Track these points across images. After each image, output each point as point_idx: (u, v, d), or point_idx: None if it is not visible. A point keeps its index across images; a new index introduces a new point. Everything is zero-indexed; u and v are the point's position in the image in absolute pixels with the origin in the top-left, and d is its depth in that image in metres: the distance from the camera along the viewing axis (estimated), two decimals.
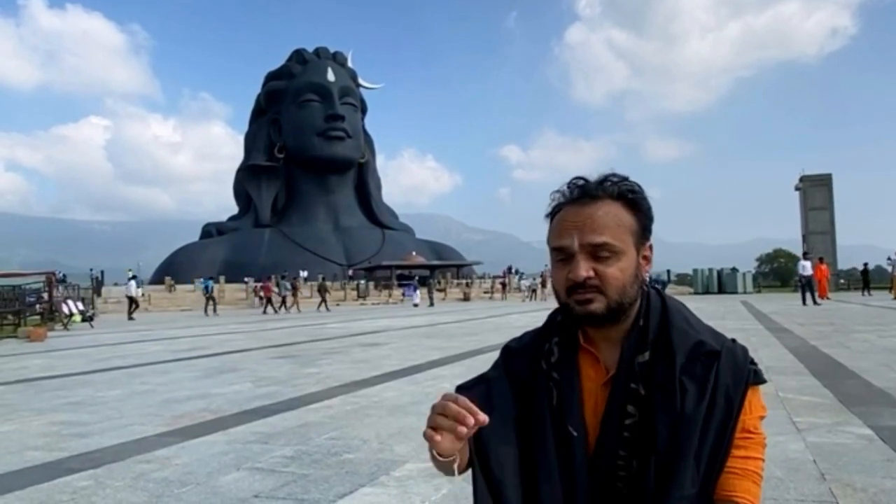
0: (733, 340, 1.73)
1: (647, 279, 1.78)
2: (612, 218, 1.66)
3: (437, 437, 1.51)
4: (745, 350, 1.71)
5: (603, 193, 1.68)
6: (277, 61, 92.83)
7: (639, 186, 1.74)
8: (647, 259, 1.75)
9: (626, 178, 1.73)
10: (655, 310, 1.76)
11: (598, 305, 1.67)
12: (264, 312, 42.53)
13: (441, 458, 1.58)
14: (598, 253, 1.65)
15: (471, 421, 1.48)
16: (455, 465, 1.60)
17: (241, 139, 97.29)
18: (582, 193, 1.69)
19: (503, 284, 64.85)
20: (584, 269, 1.64)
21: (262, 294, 47.33)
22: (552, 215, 1.76)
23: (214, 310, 43.10)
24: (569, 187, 1.74)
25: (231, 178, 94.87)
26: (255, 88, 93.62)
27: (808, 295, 31.58)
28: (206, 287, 45.08)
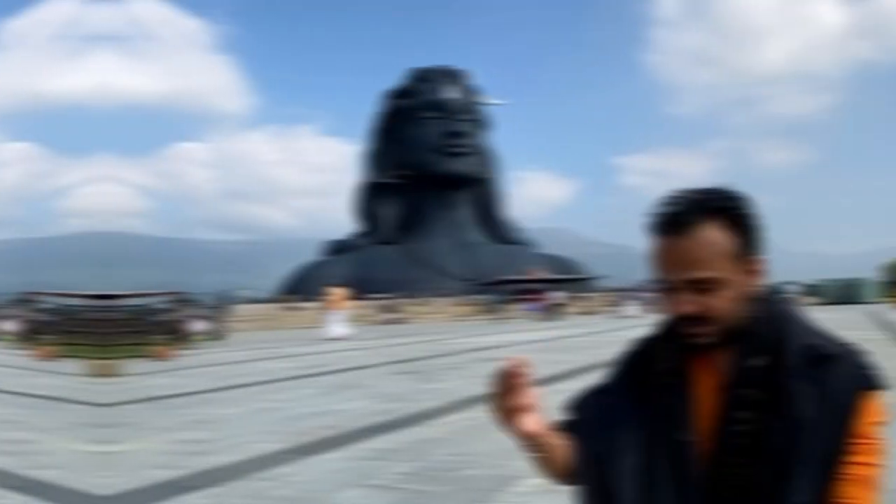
0: (851, 345, 1.63)
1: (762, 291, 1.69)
2: (710, 249, 1.58)
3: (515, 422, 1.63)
4: (863, 355, 1.61)
5: (699, 216, 1.59)
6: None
7: (739, 197, 1.64)
8: (758, 273, 1.66)
9: (724, 191, 1.65)
10: (771, 314, 1.67)
11: (708, 338, 1.62)
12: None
13: (533, 448, 1.68)
14: (699, 286, 1.58)
15: (520, 371, 1.59)
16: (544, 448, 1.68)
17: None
18: (676, 222, 1.60)
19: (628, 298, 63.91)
20: (689, 305, 1.59)
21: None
22: (652, 235, 1.67)
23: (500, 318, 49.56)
24: (663, 214, 1.65)
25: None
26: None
27: None
28: (496, 299, 52.74)
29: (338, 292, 32.41)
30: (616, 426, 1.72)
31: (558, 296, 54.38)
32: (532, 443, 1.66)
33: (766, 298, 1.69)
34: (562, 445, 1.71)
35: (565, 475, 1.71)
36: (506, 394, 1.59)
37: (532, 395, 1.63)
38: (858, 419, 1.52)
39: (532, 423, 1.64)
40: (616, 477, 1.64)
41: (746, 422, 1.58)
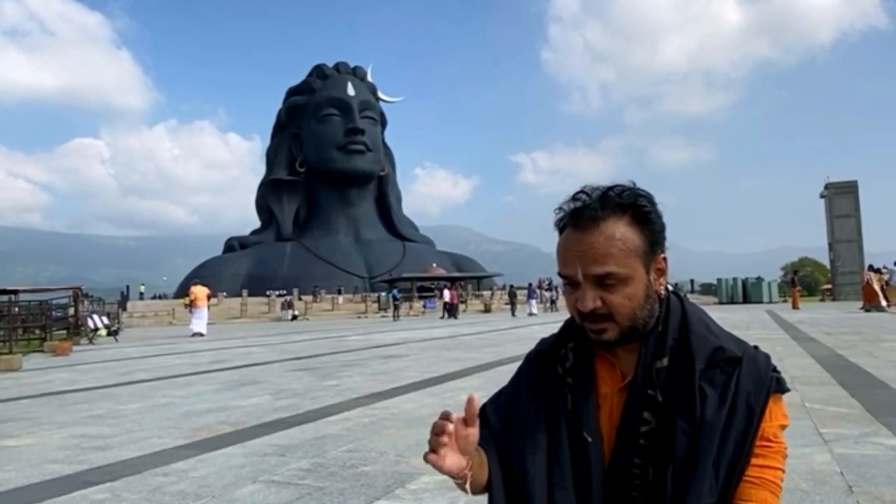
0: (755, 347, 1.68)
1: (664, 290, 1.72)
2: (615, 244, 1.59)
3: (434, 457, 1.54)
4: (767, 357, 1.66)
5: (606, 212, 1.61)
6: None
7: (647, 195, 1.67)
8: (662, 271, 1.69)
9: (631, 188, 1.66)
10: (675, 316, 1.70)
11: (610, 334, 1.64)
12: (442, 317, 48.02)
13: (453, 478, 1.58)
14: (603, 281, 1.60)
15: (448, 427, 1.52)
16: (467, 486, 1.60)
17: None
18: (583, 217, 1.62)
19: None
20: (591, 300, 1.61)
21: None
22: (559, 230, 1.70)
23: (398, 316, 50.77)
24: (570, 209, 1.67)
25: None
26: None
27: None
28: (394, 296, 53.33)
29: (198, 290, 32.15)
30: (522, 428, 1.73)
31: (457, 293, 54.60)
32: (454, 476, 1.58)
33: (669, 297, 1.73)
34: (482, 466, 1.69)
35: (484, 489, 1.70)
36: (436, 440, 1.53)
37: (459, 441, 1.56)
38: (763, 422, 1.58)
39: (452, 462, 1.55)
40: (525, 479, 1.66)
41: (650, 422, 1.62)
